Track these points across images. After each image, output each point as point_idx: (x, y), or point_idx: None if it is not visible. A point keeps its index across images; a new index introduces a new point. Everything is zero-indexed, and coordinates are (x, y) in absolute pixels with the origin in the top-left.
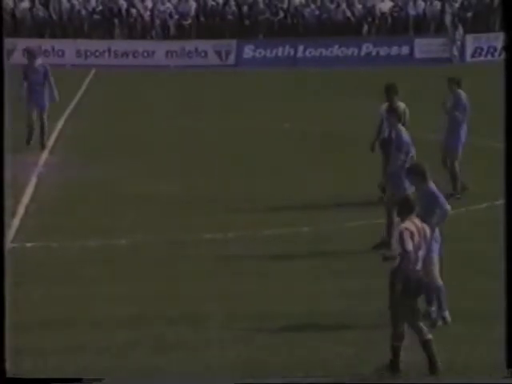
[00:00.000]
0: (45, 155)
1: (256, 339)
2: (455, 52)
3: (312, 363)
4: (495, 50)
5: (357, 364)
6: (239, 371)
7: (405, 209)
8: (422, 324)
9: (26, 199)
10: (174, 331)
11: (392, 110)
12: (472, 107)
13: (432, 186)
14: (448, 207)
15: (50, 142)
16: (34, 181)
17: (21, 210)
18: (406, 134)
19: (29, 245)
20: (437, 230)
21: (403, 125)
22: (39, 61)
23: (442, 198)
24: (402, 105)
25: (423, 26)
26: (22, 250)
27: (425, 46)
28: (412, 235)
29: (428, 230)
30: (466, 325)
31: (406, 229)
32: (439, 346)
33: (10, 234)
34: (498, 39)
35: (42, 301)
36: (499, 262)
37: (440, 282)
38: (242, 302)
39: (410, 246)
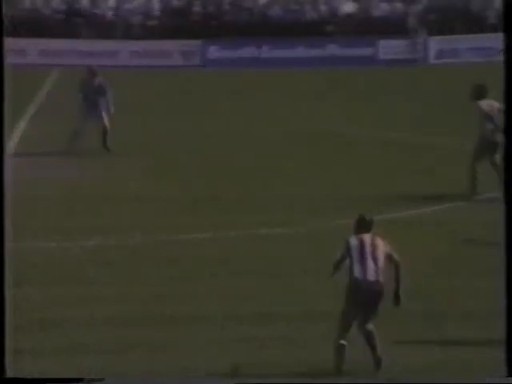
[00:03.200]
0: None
1: (256, 339)
2: (419, 54)
3: (312, 363)
4: (458, 52)
5: (357, 364)
6: (239, 371)
7: (357, 226)
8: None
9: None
10: (174, 331)
11: None
12: (435, 108)
13: None
14: None
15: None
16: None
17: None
18: None
19: (28, 245)
20: None
21: None
22: (100, 79)
23: None
24: None
25: (387, 27)
26: (21, 249)
27: (389, 48)
28: (348, 246)
29: (382, 244)
30: (466, 325)
31: (347, 242)
32: (439, 346)
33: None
34: (460, 42)
35: (42, 301)
36: (499, 262)
37: None
38: (242, 301)
39: (338, 255)
